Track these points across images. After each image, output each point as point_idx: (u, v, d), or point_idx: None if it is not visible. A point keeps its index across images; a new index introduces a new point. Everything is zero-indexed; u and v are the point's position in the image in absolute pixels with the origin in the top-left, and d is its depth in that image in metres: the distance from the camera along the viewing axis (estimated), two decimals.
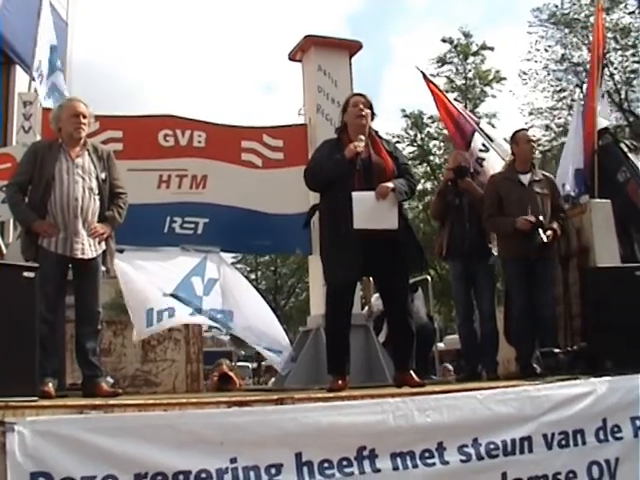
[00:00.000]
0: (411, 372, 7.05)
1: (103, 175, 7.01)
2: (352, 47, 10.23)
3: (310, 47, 9.98)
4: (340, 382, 6.80)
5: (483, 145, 10.71)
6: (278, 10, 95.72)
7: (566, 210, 9.07)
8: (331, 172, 7.08)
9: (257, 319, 8.40)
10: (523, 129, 9.43)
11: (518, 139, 8.92)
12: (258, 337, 8.26)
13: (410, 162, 37.89)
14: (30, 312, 5.48)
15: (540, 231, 8.23)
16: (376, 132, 7.45)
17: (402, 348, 7.29)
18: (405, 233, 7.16)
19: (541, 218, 8.30)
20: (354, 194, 6.87)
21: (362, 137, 7.13)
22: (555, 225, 8.48)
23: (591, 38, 30.34)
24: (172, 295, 7.96)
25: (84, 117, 6.98)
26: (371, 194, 6.95)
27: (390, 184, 7.05)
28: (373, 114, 7.37)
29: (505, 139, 11.10)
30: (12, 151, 8.59)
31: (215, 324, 8.34)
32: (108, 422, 4.95)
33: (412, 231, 7.39)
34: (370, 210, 6.89)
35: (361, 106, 7.25)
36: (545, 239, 8.23)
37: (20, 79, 12.05)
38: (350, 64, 10.13)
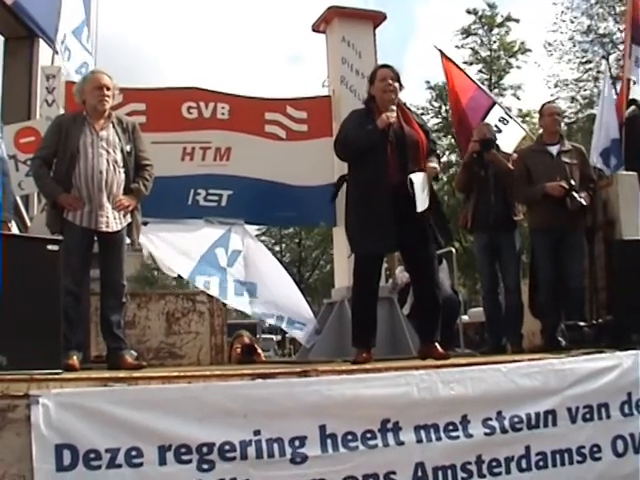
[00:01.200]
0: (436, 344, 7.04)
1: (128, 147, 7.01)
2: (376, 18, 10.16)
3: (334, 18, 9.91)
4: (365, 355, 6.80)
5: (501, 119, 10.72)
6: None
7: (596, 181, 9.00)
8: (363, 142, 6.96)
9: (280, 292, 8.42)
10: (549, 102, 9.42)
11: (543, 112, 9.01)
12: (281, 309, 8.28)
13: (434, 134, 38.09)
14: (54, 285, 5.50)
15: (575, 194, 8.21)
16: (404, 104, 7.38)
17: (428, 320, 7.26)
18: (433, 205, 7.12)
19: (573, 182, 8.27)
20: (414, 177, 6.82)
21: (393, 107, 7.05)
22: (584, 194, 8.43)
23: (617, 9, 30.26)
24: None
25: (108, 89, 6.97)
26: (423, 175, 6.94)
27: (436, 166, 7.07)
28: (401, 86, 7.30)
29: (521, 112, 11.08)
30: (36, 125, 8.61)
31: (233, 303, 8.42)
32: (132, 394, 4.96)
33: (439, 204, 7.34)
34: (423, 191, 6.86)
35: (389, 80, 7.15)
36: (584, 202, 8.22)
37: (43, 53, 12.04)
38: (374, 35, 10.06)
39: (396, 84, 7.19)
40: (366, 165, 6.98)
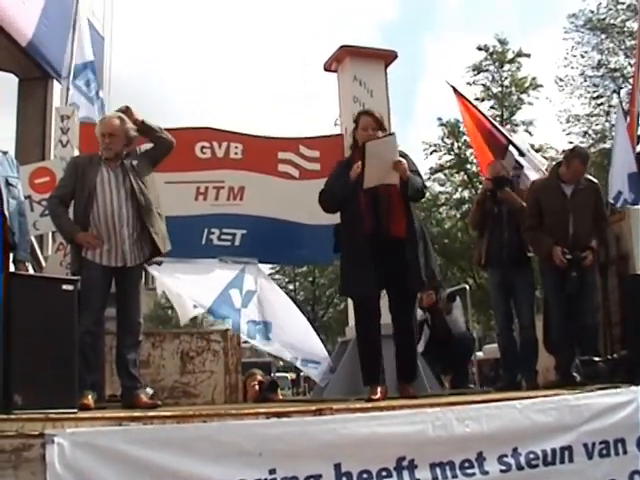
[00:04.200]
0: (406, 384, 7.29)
1: (135, 162, 7.10)
2: (387, 57, 10.23)
3: (345, 57, 9.98)
4: (379, 392, 6.81)
5: (516, 161, 10.66)
6: (314, 21, 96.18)
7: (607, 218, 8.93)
8: (338, 193, 7.22)
9: (295, 330, 8.41)
10: (583, 148, 9.32)
11: (576, 155, 8.62)
12: (295, 348, 8.27)
13: (447, 171, 38.14)
14: (70, 325, 5.52)
15: (574, 273, 8.21)
16: None
17: (401, 361, 7.43)
18: (411, 247, 7.17)
19: (577, 254, 8.22)
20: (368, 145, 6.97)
21: None
22: (594, 243, 8.37)
23: (628, 43, 30.28)
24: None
25: (112, 135, 7.00)
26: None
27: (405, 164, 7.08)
28: (384, 130, 7.40)
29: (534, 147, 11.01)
30: (50, 165, 8.67)
31: (250, 340, 8.38)
32: (147, 434, 4.97)
33: (416, 246, 7.27)
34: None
35: (370, 131, 7.24)
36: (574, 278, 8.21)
37: (57, 93, 12.16)
38: (386, 74, 10.13)
39: (379, 132, 7.27)
40: (344, 215, 7.29)
